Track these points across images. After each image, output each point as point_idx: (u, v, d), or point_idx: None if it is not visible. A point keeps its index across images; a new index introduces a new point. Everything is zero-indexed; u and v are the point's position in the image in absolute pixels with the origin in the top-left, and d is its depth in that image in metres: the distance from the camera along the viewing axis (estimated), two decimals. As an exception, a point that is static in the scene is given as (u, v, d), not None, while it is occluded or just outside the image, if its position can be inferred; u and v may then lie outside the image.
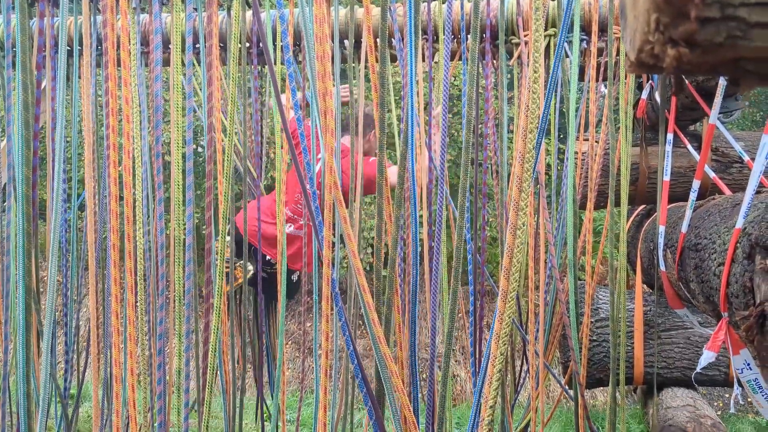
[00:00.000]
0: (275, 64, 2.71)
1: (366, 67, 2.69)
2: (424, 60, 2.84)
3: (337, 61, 2.55)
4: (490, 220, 5.72)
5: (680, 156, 3.08)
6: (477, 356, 2.49)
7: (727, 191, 2.58)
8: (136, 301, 1.79)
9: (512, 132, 2.87)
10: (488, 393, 1.36)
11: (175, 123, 1.81)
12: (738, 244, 1.44)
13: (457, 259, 1.60)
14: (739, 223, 1.48)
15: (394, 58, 2.91)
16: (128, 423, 1.66)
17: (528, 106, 1.30)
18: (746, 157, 2.70)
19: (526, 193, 1.39)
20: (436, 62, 2.89)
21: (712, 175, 2.74)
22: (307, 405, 4.81)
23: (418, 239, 1.89)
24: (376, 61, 1.85)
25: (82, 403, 2.96)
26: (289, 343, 8.01)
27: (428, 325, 2.02)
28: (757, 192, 1.58)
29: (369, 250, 7.26)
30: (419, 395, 1.67)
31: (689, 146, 2.95)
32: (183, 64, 2.52)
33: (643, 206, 3.69)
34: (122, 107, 1.76)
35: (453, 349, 7.76)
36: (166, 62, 3.10)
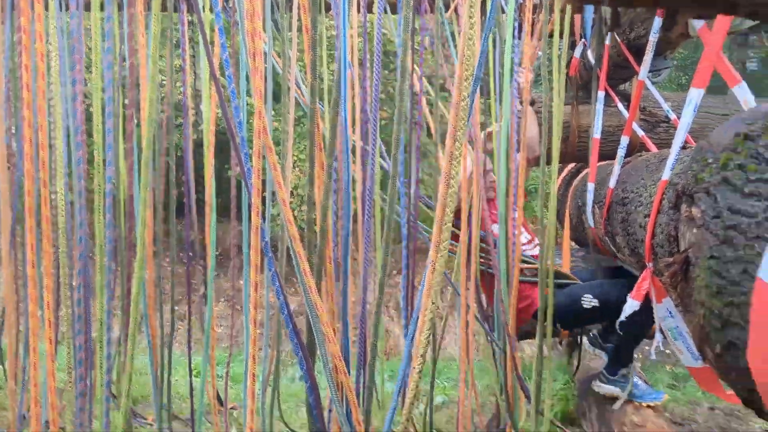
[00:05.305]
0: (203, 11, 2.60)
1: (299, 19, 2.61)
2: (359, 11, 2.77)
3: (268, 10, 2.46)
4: (424, 178, 5.73)
5: (610, 115, 3.12)
6: (409, 309, 2.50)
7: (655, 150, 2.64)
8: (56, 253, 1.72)
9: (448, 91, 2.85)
10: (419, 342, 1.36)
11: (95, 65, 1.71)
12: (664, 195, 1.47)
13: (390, 214, 1.59)
14: (666, 175, 1.51)
15: (328, 7, 2.83)
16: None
17: (463, 52, 1.28)
18: (673, 116, 2.76)
19: (459, 142, 1.37)
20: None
21: (641, 133, 2.79)
22: (240, 362, 4.78)
23: (350, 191, 1.87)
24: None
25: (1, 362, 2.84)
26: (221, 300, 7.94)
27: (361, 282, 2.01)
28: (683, 147, 1.62)
29: (303, 208, 7.20)
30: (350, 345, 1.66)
31: (619, 104, 2.99)
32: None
33: (573, 165, 3.75)
34: (37, 46, 1.65)
35: (386, 306, 7.82)
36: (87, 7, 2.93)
